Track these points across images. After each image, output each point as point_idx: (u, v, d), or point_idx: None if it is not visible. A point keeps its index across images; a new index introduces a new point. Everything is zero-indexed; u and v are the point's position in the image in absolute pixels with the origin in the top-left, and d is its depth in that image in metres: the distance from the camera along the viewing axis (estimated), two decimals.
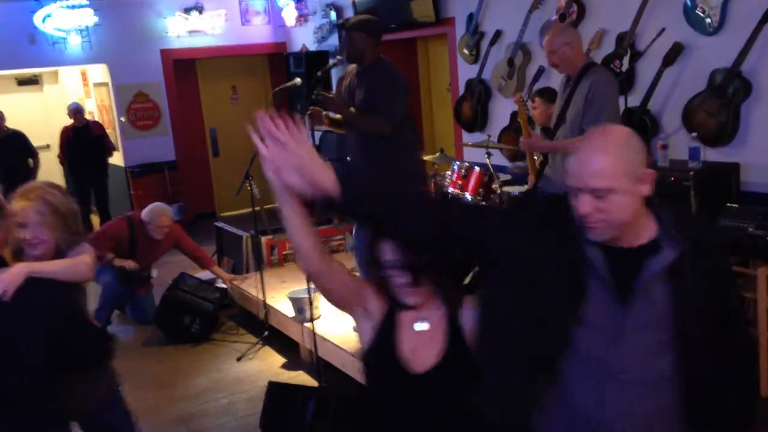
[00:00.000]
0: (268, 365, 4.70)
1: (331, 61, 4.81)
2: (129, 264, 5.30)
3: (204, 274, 6.01)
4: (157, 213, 5.37)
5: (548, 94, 4.70)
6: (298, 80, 4.86)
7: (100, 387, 2.67)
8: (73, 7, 7.85)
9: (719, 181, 4.15)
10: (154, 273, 5.65)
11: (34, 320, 2.10)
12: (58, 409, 2.21)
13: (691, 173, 4.06)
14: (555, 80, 4.92)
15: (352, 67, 4.06)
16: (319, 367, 4.11)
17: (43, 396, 2.13)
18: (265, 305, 4.95)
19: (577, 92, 3.69)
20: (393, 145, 3.85)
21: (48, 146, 9.35)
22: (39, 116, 9.85)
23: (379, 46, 3.94)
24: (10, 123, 7.84)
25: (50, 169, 8.87)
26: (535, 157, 4.10)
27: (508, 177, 5.22)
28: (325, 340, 4.24)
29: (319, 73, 4.31)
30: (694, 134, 4.22)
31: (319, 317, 4.53)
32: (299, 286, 4.63)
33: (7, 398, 2.06)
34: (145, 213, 5.41)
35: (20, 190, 2.55)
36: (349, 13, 7.38)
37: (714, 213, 3.81)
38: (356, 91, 3.95)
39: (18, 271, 2.13)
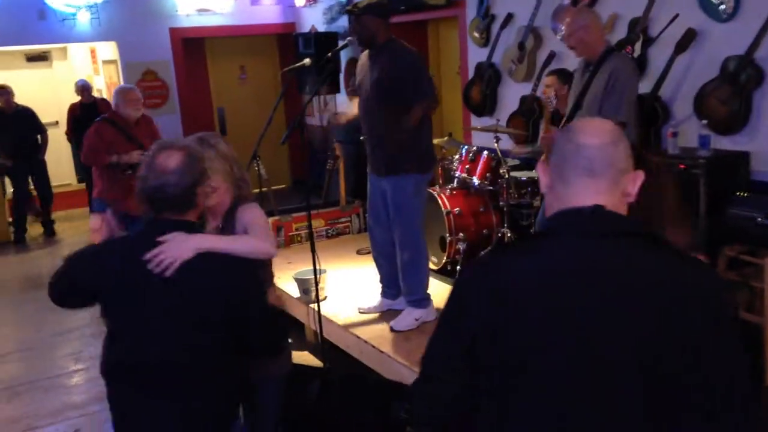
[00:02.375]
0: None
1: (341, 43, 4.78)
2: (133, 157, 4.96)
3: None
4: (120, 91, 5.10)
5: (563, 74, 4.63)
6: (307, 61, 4.85)
7: (274, 370, 2.61)
8: None
9: (729, 170, 4.11)
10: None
11: (204, 301, 1.95)
12: (232, 392, 2.07)
13: (701, 161, 4.03)
14: (566, 65, 4.88)
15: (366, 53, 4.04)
16: (324, 348, 4.13)
17: (217, 378, 2.00)
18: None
19: (597, 77, 3.61)
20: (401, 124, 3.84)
21: (57, 123, 9.35)
22: (48, 93, 9.84)
23: (389, 26, 3.91)
24: (19, 99, 7.85)
25: (58, 146, 8.89)
26: None
27: (516, 162, 5.20)
28: (330, 321, 4.26)
29: (329, 55, 4.30)
30: (705, 122, 4.19)
31: (324, 298, 4.54)
32: (305, 267, 4.64)
33: (178, 379, 1.94)
34: (113, 102, 5.17)
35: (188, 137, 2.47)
36: None
37: (723, 202, 3.79)
38: (370, 72, 3.93)
39: (188, 245, 1.94)
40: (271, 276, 2.69)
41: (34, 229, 8.17)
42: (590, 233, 1.31)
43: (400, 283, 4.11)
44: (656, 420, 1.23)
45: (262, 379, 2.48)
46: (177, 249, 1.92)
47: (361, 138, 4.16)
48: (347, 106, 4.12)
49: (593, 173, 1.33)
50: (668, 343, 1.23)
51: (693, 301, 1.26)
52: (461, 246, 4.68)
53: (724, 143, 4.26)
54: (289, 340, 2.54)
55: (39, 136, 7.81)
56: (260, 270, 2.21)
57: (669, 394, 1.23)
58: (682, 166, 4.12)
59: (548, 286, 1.28)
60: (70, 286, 2.10)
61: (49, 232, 8.08)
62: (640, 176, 1.38)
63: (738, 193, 3.75)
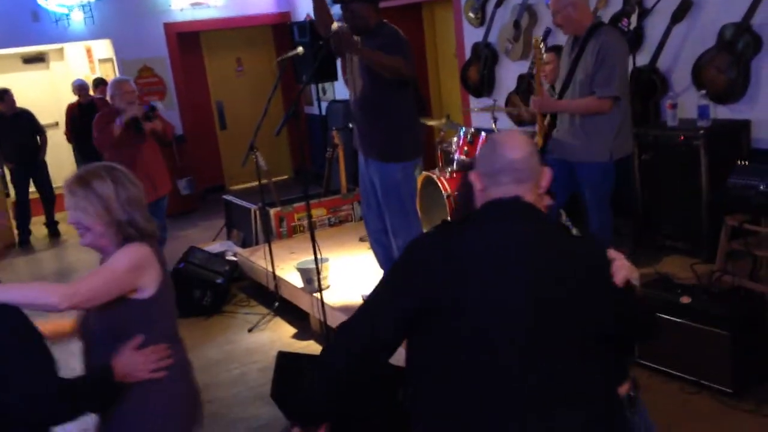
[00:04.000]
0: (279, 336, 4.73)
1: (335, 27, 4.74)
2: (132, 111, 4.97)
3: (214, 247, 6.03)
4: (115, 83, 5.11)
5: (561, 51, 4.57)
6: (300, 49, 4.81)
7: None
8: None
9: (729, 139, 4.08)
10: (159, 105, 5.42)
11: None
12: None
13: (701, 132, 3.99)
14: (561, 41, 4.82)
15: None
16: (329, 336, 4.12)
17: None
18: (275, 277, 4.96)
19: (585, 53, 3.61)
20: (393, 109, 3.81)
21: (56, 124, 9.33)
22: (46, 94, 9.82)
23: (379, 10, 3.88)
24: (18, 101, 7.81)
25: (58, 147, 8.89)
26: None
27: None
28: (334, 309, 4.25)
29: (321, 42, 4.26)
30: (703, 92, 4.14)
31: (328, 287, 4.54)
32: (308, 256, 4.63)
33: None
34: (108, 94, 5.19)
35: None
36: None
37: (724, 171, 3.75)
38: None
39: None
40: None
41: (38, 231, 8.19)
42: (514, 217, 1.69)
43: None
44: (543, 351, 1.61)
45: None
46: None
47: (349, 125, 4.14)
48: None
49: (521, 181, 1.69)
50: (563, 293, 1.62)
51: (578, 263, 1.67)
52: None
53: (723, 113, 4.22)
54: None
55: (39, 138, 7.81)
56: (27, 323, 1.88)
57: (560, 330, 1.62)
58: (681, 138, 4.09)
59: (490, 255, 1.64)
60: None
61: (54, 234, 8.10)
62: (548, 173, 1.76)
63: (739, 162, 3.71)
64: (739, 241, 3.67)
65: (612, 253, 1.72)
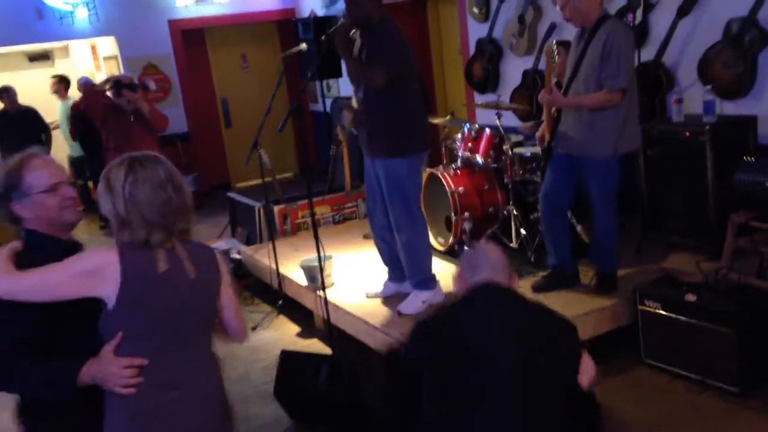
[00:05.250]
0: (283, 334, 4.72)
1: (337, 24, 4.72)
2: (123, 77, 5.23)
3: (218, 245, 6.03)
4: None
5: (567, 46, 4.54)
6: (303, 45, 4.80)
7: None
8: None
9: (736, 135, 4.04)
10: (152, 85, 5.46)
11: None
12: None
13: (707, 127, 3.95)
14: (567, 36, 4.79)
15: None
16: (332, 334, 4.11)
17: None
18: (279, 274, 4.95)
19: (592, 45, 3.57)
20: (396, 105, 3.79)
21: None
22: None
23: (382, 6, 3.86)
24: (23, 99, 7.86)
25: (64, 144, 8.91)
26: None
27: (519, 138, 5.13)
28: (338, 307, 4.24)
29: (323, 37, 4.24)
30: (709, 87, 4.10)
31: (332, 285, 4.52)
32: (312, 254, 4.62)
33: None
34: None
35: None
36: None
37: (730, 167, 3.71)
38: (362, 52, 3.88)
39: None
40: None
41: None
42: (496, 301, 2.11)
43: (403, 266, 4.08)
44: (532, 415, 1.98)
45: None
46: None
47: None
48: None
49: (496, 271, 2.16)
50: (535, 365, 1.99)
51: (547, 340, 2.05)
52: (467, 225, 4.63)
53: (729, 108, 4.17)
54: None
55: (43, 135, 7.82)
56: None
57: (540, 397, 2.00)
58: (687, 134, 4.05)
59: (478, 332, 2.04)
60: None
61: None
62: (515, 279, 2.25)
63: (745, 158, 3.67)
64: (746, 238, 3.63)
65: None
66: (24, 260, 1.90)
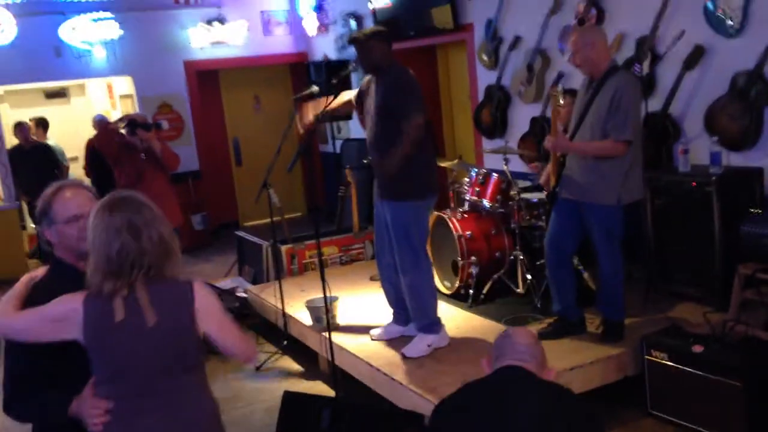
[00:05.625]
0: (287, 375, 4.70)
1: (348, 69, 4.82)
2: (138, 116, 5.31)
3: (225, 283, 6.05)
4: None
5: (574, 94, 4.60)
6: (315, 88, 4.87)
7: None
8: (99, 20, 7.99)
9: (742, 187, 4.05)
10: (165, 125, 5.53)
11: None
12: None
13: (713, 178, 3.98)
14: (574, 84, 4.85)
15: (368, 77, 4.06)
16: (337, 376, 4.09)
17: None
18: (284, 314, 4.95)
19: (600, 95, 3.62)
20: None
21: (76, 158, 9.48)
22: (67, 128, 9.99)
23: (391, 52, 3.95)
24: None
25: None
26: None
27: (527, 184, 5.17)
28: (342, 349, 4.22)
29: (334, 81, 4.33)
30: (715, 139, 4.14)
31: (337, 326, 4.52)
32: (318, 294, 4.62)
33: None
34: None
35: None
36: (369, 23, 7.40)
37: (737, 218, 3.73)
38: (375, 96, 3.96)
39: None
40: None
41: None
42: (520, 390, 2.05)
43: (408, 309, 4.08)
44: None
45: None
46: None
47: (364, 161, 4.18)
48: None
49: (525, 361, 2.11)
50: None
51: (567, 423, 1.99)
52: (474, 270, 4.64)
53: (736, 159, 4.20)
54: None
55: (56, 170, 7.92)
56: None
57: None
58: (694, 184, 4.07)
59: (495, 415, 2.00)
60: None
61: None
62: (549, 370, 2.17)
63: (752, 210, 3.69)
64: (753, 290, 3.62)
65: None
66: (41, 291, 2.00)
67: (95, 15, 7.97)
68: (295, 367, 4.81)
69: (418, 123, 3.76)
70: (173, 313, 1.96)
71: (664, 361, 3.50)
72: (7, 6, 7.49)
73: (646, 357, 3.59)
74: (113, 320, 1.88)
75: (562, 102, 3.84)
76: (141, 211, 1.95)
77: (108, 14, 8.02)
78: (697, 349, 3.35)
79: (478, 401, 2.06)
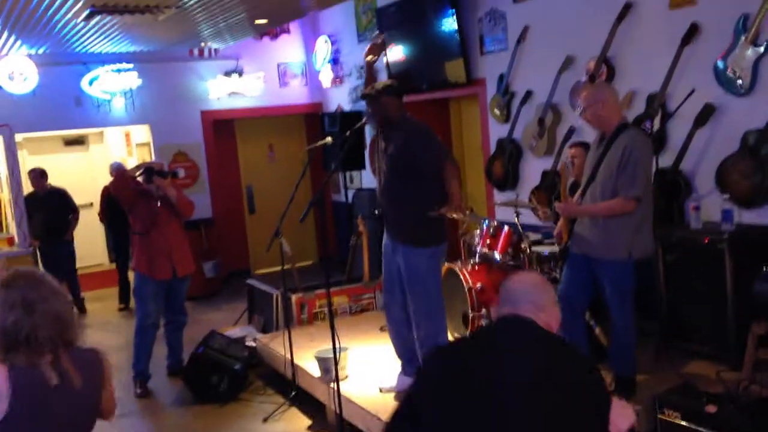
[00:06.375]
0: (294, 427, 4.64)
1: (363, 121, 4.90)
2: (155, 163, 5.43)
3: (234, 332, 6.03)
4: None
5: (587, 147, 4.63)
6: (329, 139, 4.95)
7: None
8: (120, 71, 8.20)
9: (755, 244, 4.04)
10: (181, 173, 5.60)
11: None
12: None
13: (725, 235, 3.97)
14: (587, 138, 4.90)
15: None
16: (343, 429, 4.04)
17: None
18: (293, 365, 4.92)
19: (611, 152, 3.65)
20: (417, 198, 3.89)
21: (91, 204, 9.61)
22: (84, 175, 10.17)
23: (402, 105, 4.05)
24: (57, 181, 8.10)
25: (92, 227, 9.10)
26: None
27: (538, 236, 5.17)
28: (350, 401, 4.18)
29: (347, 133, 4.39)
30: (726, 196, 4.14)
31: (345, 378, 4.48)
32: (327, 344, 4.60)
33: None
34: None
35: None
36: (383, 76, 7.52)
37: (750, 276, 3.70)
38: (385, 148, 4.02)
39: None
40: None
41: None
42: (524, 342, 1.96)
43: (419, 358, 4.05)
44: None
45: None
46: None
47: (375, 212, 4.22)
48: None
49: (520, 307, 2.03)
50: (553, 409, 1.81)
51: (566, 380, 1.88)
52: (484, 322, 4.61)
53: (748, 217, 4.19)
54: None
55: (70, 216, 7.99)
56: None
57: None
58: (706, 240, 4.06)
59: (491, 369, 1.88)
60: None
61: (80, 310, 8.18)
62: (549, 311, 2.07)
63: (765, 268, 3.66)
64: (766, 349, 3.57)
65: (618, 403, 1.94)
66: None
67: (116, 66, 8.17)
68: (303, 419, 4.75)
69: (454, 163, 3.96)
70: (91, 377, 2.05)
71: (677, 421, 3.44)
72: (30, 56, 7.70)
73: (659, 416, 3.52)
74: (48, 386, 1.92)
75: (569, 169, 3.93)
76: (37, 287, 1.99)
77: (129, 65, 8.23)
78: (711, 409, 3.30)
79: (469, 352, 1.99)
